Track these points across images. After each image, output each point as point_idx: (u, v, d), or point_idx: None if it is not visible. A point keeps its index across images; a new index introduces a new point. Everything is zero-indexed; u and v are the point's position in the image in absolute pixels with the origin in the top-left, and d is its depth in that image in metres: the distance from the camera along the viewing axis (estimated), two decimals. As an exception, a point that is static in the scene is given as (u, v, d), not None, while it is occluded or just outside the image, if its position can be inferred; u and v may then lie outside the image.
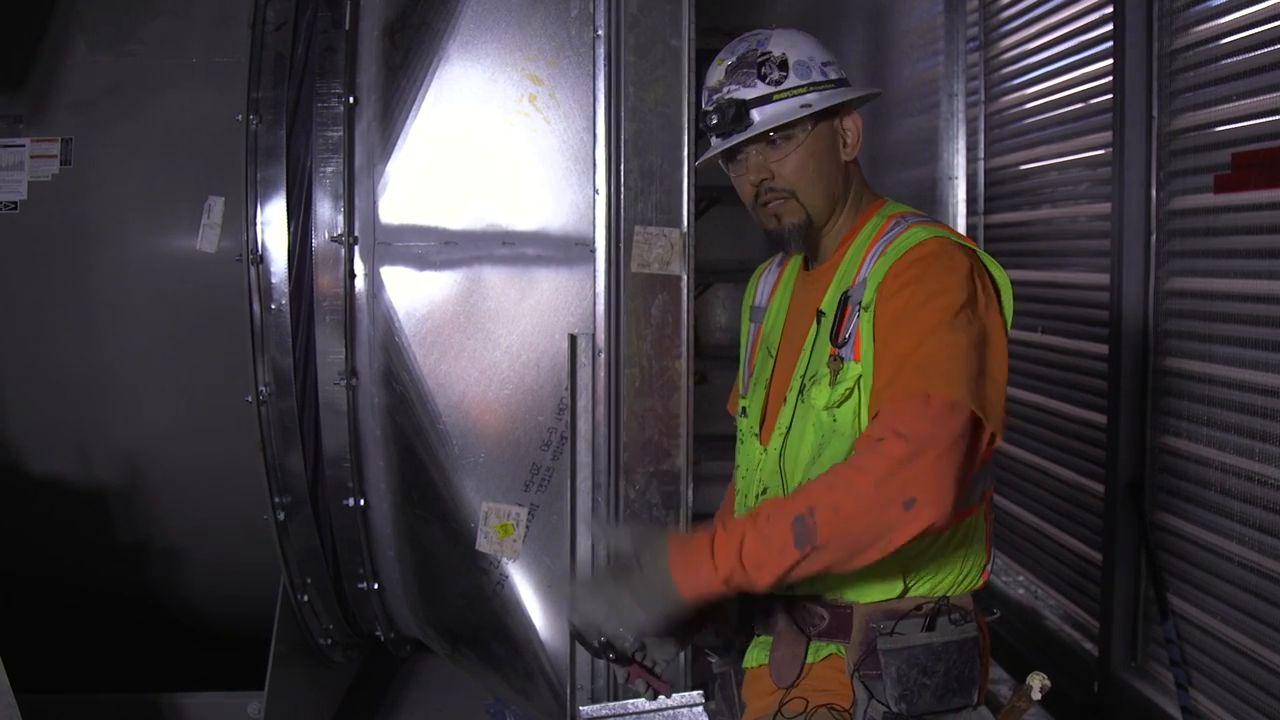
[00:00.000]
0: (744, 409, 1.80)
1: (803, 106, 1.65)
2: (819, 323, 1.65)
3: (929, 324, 1.49)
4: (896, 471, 1.38)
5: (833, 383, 1.59)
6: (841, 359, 1.59)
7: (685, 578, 1.39)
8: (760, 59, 1.68)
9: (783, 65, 1.67)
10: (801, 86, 1.66)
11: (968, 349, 1.48)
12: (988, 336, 1.52)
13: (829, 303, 1.65)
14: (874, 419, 1.49)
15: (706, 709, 1.83)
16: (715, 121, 1.68)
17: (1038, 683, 1.55)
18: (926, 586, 1.62)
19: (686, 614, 1.43)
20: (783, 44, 1.69)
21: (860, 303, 1.59)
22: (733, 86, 1.69)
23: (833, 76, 1.69)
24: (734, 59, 1.71)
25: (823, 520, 1.38)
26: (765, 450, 1.70)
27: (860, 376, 1.56)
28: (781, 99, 1.66)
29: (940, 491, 1.38)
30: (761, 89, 1.66)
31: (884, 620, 1.59)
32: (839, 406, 1.58)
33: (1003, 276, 1.61)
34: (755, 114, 1.66)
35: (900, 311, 1.53)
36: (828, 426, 1.59)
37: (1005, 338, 1.56)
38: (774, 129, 1.65)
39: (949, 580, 1.63)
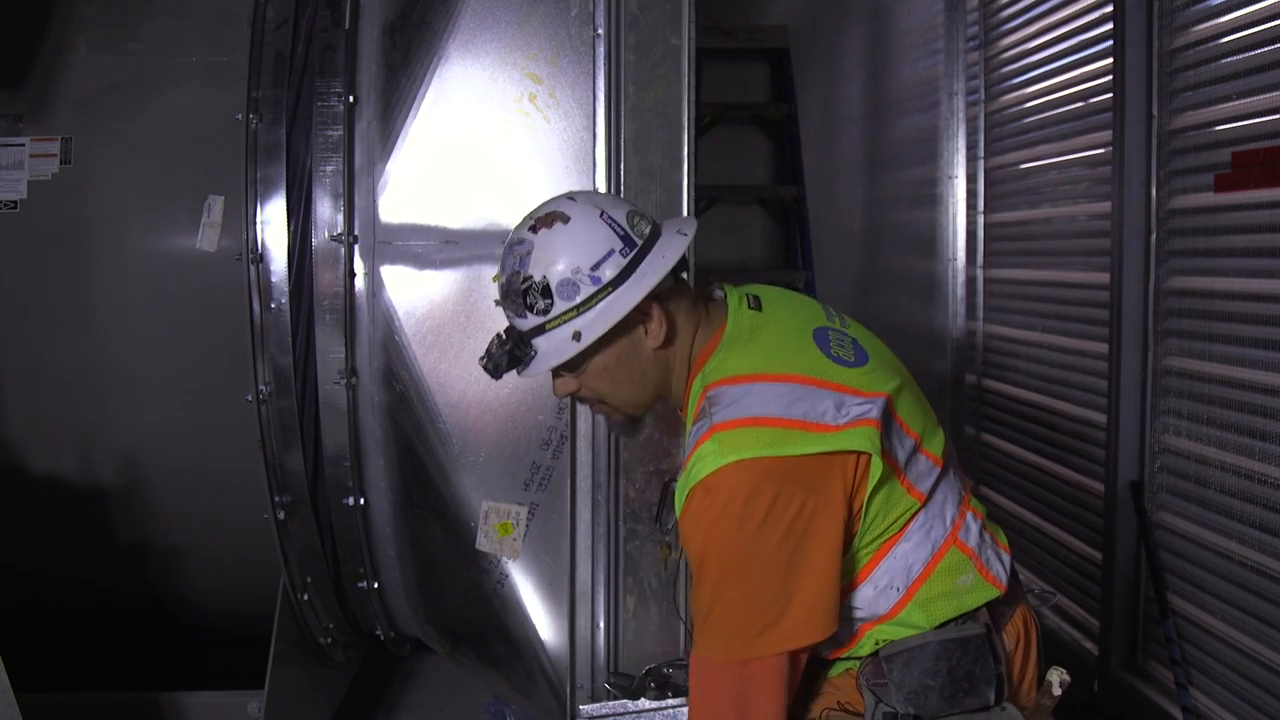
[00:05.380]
0: None
1: (574, 337, 1.56)
2: None
3: (711, 585, 1.50)
4: None
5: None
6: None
7: None
8: (523, 286, 1.57)
9: (546, 291, 1.55)
10: (569, 311, 1.56)
11: (756, 598, 1.49)
12: (792, 557, 1.48)
13: None
14: (691, 671, 1.59)
15: None
16: (506, 360, 1.61)
17: (1056, 678, 1.56)
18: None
19: None
20: (542, 261, 1.56)
21: (675, 507, 1.59)
22: (510, 314, 1.62)
23: (607, 278, 1.55)
24: (504, 280, 1.61)
25: None
26: None
27: None
28: (554, 328, 1.57)
29: None
30: (533, 320, 1.58)
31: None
32: None
33: (849, 438, 1.50)
34: (536, 344, 1.59)
35: (690, 558, 1.55)
36: None
37: (826, 533, 1.49)
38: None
39: (941, 613, 1.63)
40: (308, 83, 2.60)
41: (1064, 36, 3.71)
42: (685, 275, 1.69)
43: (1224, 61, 2.82)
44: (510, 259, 1.60)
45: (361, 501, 2.67)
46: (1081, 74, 3.58)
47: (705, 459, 1.49)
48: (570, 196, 1.64)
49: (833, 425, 1.50)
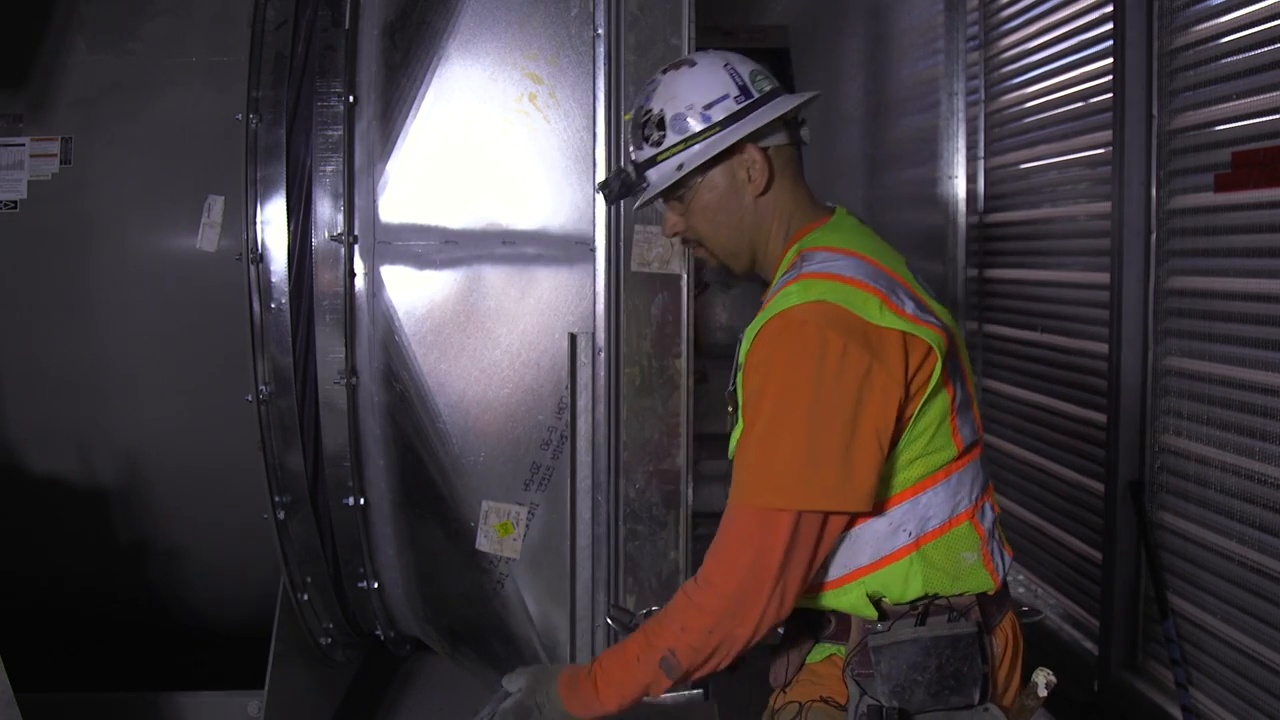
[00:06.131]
0: None
1: (678, 168, 1.66)
2: None
3: (763, 422, 1.53)
4: (724, 614, 1.53)
5: (732, 426, 1.66)
6: (734, 404, 1.65)
7: (580, 709, 1.63)
8: (644, 119, 1.70)
9: (660, 124, 1.68)
10: (678, 145, 1.67)
11: (804, 440, 1.50)
12: (847, 412, 1.49)
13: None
14: (722, 523, 1.58)
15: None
16: (619, 186, 1.73)
17: (1042, 679, 1.56)
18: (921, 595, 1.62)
19: None
20: (663, 97, 1.69)
21: (737, 361, 1.63)
22: (631, 148, 1.74)
23: (717, 118, 1.65)
24: (631, 115, 1.74)
25: (684, 658, 1.56)
26: None
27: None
28: (664, 159, 1.68)
29: (760, 616, 1.53)
30: (648, 151, 1.70)
31: (880, 621, 1.60)
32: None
33: (922, 330, 1.55)
34: (649, 175, 1.71)
35: (748, 398, 1.56)
36: None
37: (882, 405, 1.51)
38: (668, 190, 1.69)
39: (938, 582, 1.62)
40: (308, 83, 2.60)
41: (1064, 36, 3.71)
42: (801, 145, 1.77)
43: (1224, 61, 2.82)
44: (640, 97, 1.73)
45: (361, 501, 2.67)
46: (1081, 74, 3.58)
47: (789, 296, 1.55)
48: (704, 49, 1.78)
49: (910, 314, 1.56)
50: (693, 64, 1.70)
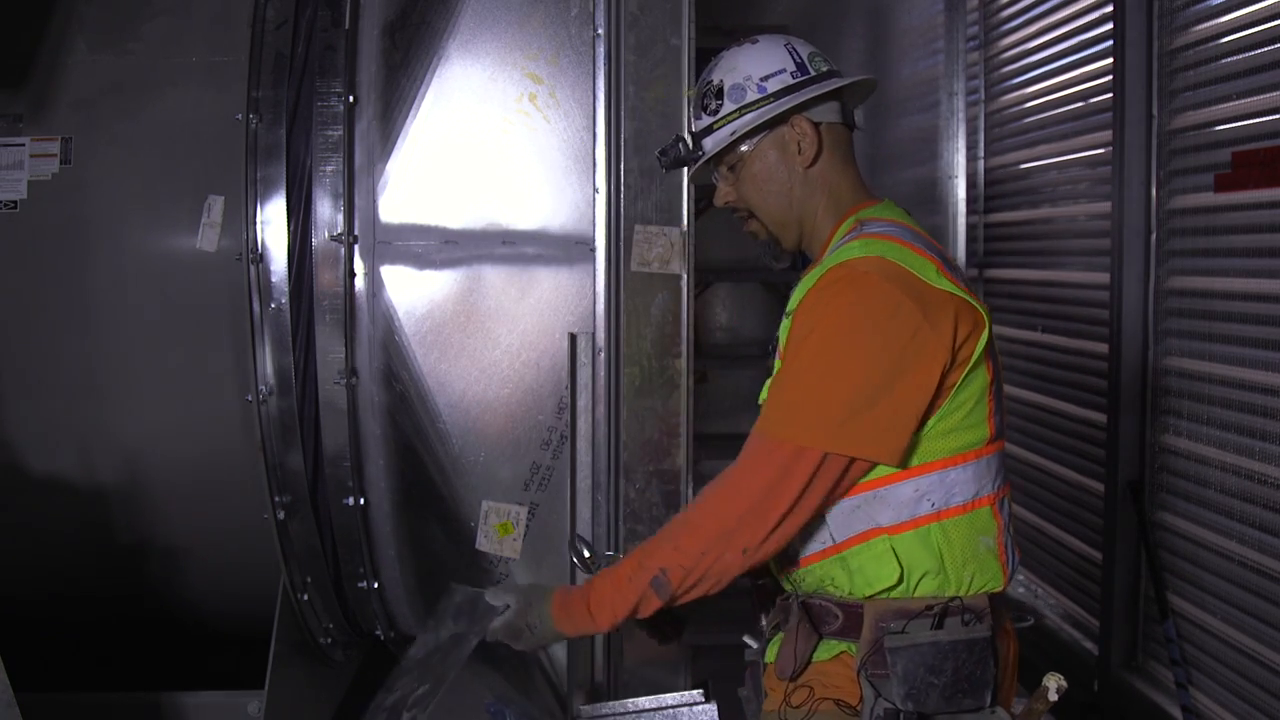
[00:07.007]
0: None
1: (731, 134, 1.72)
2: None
3: (807, 359, 1.57)
4: (720, 537, 1.57)
5: (769, 375, 1.69)
6: (775, 352, 1.68)
7: (572, 629, 1.72)
8: (705, 89, 1.77)
9: (719, 93, 1.74)
10: (733, 113, 1.73)
11: (844, 383, 1.53)
12: (891, 365, 1.53)
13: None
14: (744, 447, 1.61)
15: (741, 694, 1.91)
16: (675, 154, 1.80)
17: (1054, 683, 1.55)
18: (934, 585, 1.62)
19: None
20: (724, 68, 1.75)
21: (787, 310, 1.66)
22: (694, 117, 1.81)
23: (771, 90, 1.72)
24: (697, 88, 1.80)
25: (674, 577, 1.60)
26: None
27: None
28: (720, 127, 1.74)
29: (757, 546, 1.56)
30: (705, 120, 1.77)
31: (894, 620, 1.60)
32: None
33: (978, 304, 1.61)
34: (705, 143, 1.77)
35: (792, 340, 1.60)
36: None
37: (927, 366, 1.54)
38: (720, 157, 1.75)
39: (954, 580, 1.62)
40: (308, 83, 2.60)
41: (1064, 36, 3.71)
42: (855, 129, 1.84)
43: (1224, 61, 2.82)
44: (705, 70, 1.80)
45: (361, 501, 2.66)
46: (1081, 74, 3.58)
47: (850, 250, 1.61)
48: (768, 32, 1.86)
49: (961, 284, 1.62)
50: (755, 41, 1.77)
